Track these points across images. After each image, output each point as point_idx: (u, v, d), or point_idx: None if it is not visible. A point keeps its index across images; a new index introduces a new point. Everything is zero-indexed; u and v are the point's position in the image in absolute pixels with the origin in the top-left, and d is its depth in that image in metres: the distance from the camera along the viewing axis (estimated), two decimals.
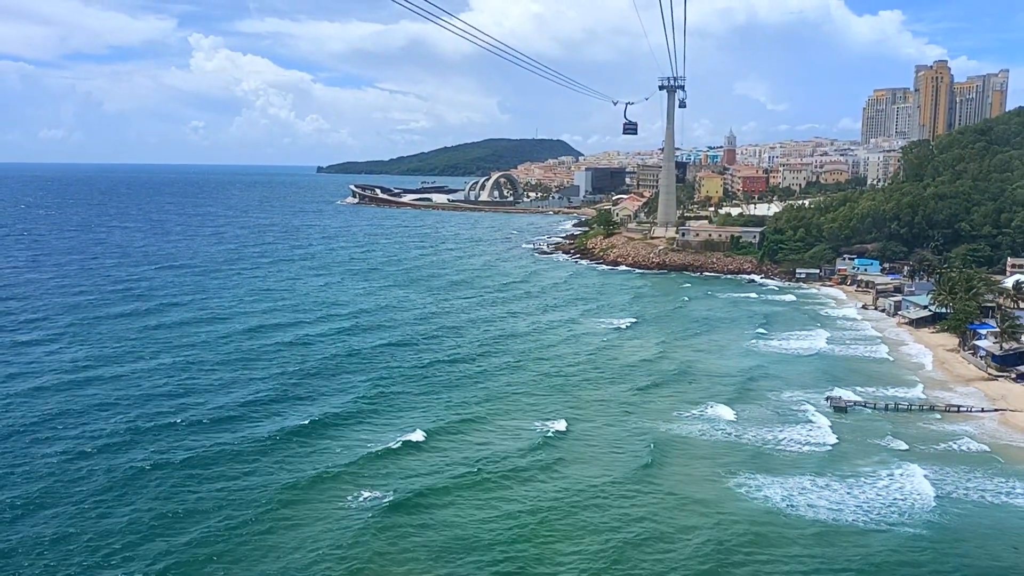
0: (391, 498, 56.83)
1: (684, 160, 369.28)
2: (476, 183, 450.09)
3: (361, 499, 56.84)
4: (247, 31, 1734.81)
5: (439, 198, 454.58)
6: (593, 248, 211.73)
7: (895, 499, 58.21)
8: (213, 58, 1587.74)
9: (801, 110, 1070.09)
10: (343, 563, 48.44)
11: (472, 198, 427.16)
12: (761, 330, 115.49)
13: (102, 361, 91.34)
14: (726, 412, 77.39)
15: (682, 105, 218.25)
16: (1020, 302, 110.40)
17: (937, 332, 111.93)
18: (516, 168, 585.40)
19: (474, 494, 58.39)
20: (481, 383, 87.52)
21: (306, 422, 72.11)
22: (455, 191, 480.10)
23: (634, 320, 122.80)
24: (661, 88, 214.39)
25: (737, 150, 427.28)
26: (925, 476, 61.76)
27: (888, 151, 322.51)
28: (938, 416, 77.90)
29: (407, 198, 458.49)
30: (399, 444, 67.11)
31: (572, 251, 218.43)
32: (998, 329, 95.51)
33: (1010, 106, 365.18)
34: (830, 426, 73.47)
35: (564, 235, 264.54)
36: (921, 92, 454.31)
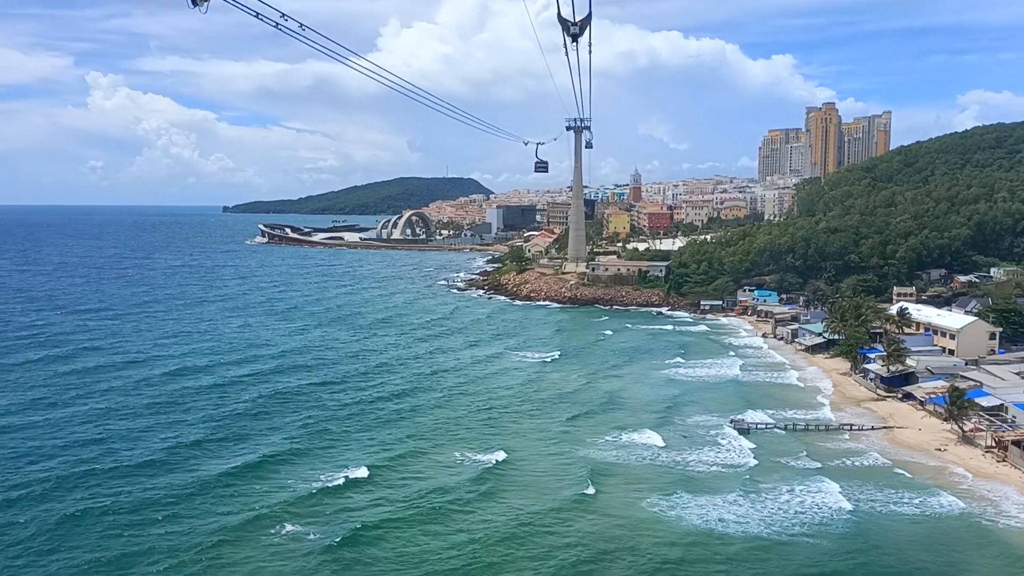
0: (340, 535, 57.18)
1: (592, 198, 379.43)
2: (388, 221, 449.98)
3: (310, 537, 56.90)
4: (148, 69, 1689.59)
5: (351, 237, 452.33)
6: (507, 284, 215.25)
7: (815, 513, 62.36)
8: (112, 97, 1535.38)
9: (702, 149, 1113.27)
10: None
11: (385, 236, 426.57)
12: (679, 359, 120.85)
13: (15, 410, 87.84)
14: (655, 438, 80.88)
15: (589, 146, 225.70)
16: (904, 327, 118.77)
17: (831, 357, 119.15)
18: (428, 206, 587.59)
19: (422, 526, 59.45)
20: (418, 418, 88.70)
21: (240, 463, 71.53)
22: (367, 229, 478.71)
23: (558, 353, 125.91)
24: (568, 129, 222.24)
25: (642, 187, 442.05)
26: (840, 491, 66.34)
27: (783, 188, 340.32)
28: (846, 436, 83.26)
29: (318, 237, 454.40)
30: (342, 480, 67.61)
31: (487, 287, 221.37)
32: (885, 353, 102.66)
33: (893, 144, 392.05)
34: (750, 448, 77.61)
35: (478, 271, 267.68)
36: (812, 132, 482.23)
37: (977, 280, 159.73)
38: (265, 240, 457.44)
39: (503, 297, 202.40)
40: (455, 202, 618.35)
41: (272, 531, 57.87)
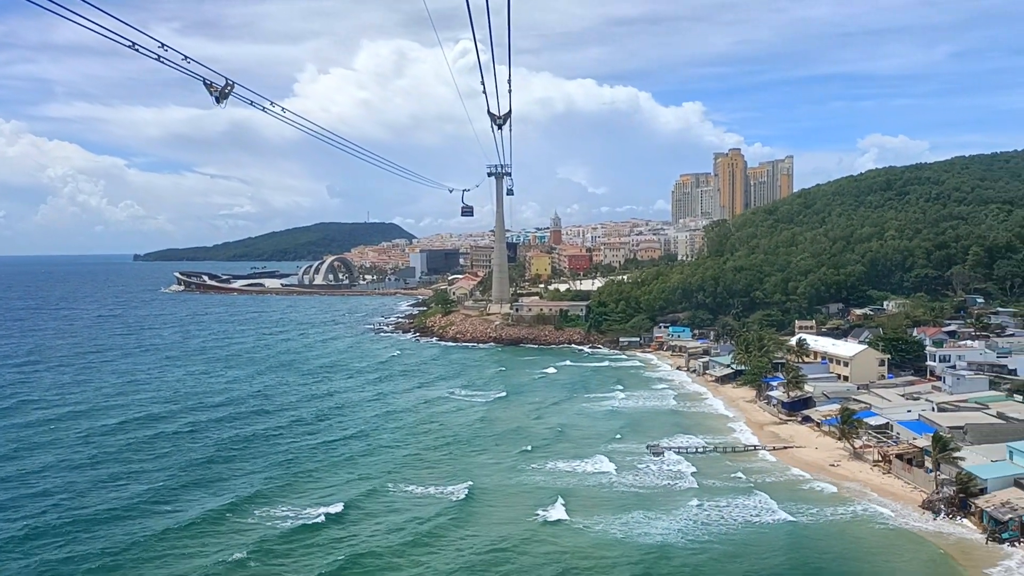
0: (326, 567, 59.85)
1: (514, 241, 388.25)
2: (310, 267, 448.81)
3: (297, 571, 59.37)
4: (54, 116, 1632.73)
5: (272, 283, 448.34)
6: (432, 326, 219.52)
7: (759, 524, 68.98)
8: (15, 143, 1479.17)
9: (620, 192, 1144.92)
10: None
11: (307, 282, 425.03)
12: (619, 391, 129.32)
13: None
14: (607, 464, 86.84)
15: (510, 192, 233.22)
16: (803, 357, 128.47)
17: (739, 386, 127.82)
18: (350, 252, 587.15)
19: (404, 555, 62.85)
20: (382, 456, 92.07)
21: (213, 506, 72.85)
22: (288, 275, 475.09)
23: (503, 392, 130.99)
24: (490, 175, 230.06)
25: (563, 230, 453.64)
26: (775, 502, 73.59)
27: (694, 230, 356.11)
28: (754, 456, 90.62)
29: (237, 284, 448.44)
30: (322, 518, 70.21)
31: (413, 330, 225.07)
32: (785, 380, 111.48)
33: (796, 187, 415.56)
34: (692, 472, 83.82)
35: (404, 315, 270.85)
36: (720, 177, 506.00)
37: (871, 312, 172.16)
38: (182, 288, 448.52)
39: (432, 339, 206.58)
40: (378, 247, 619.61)
41: (262, 568, 59.84)
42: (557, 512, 72.00)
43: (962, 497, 69.89)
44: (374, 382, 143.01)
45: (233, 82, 22.74)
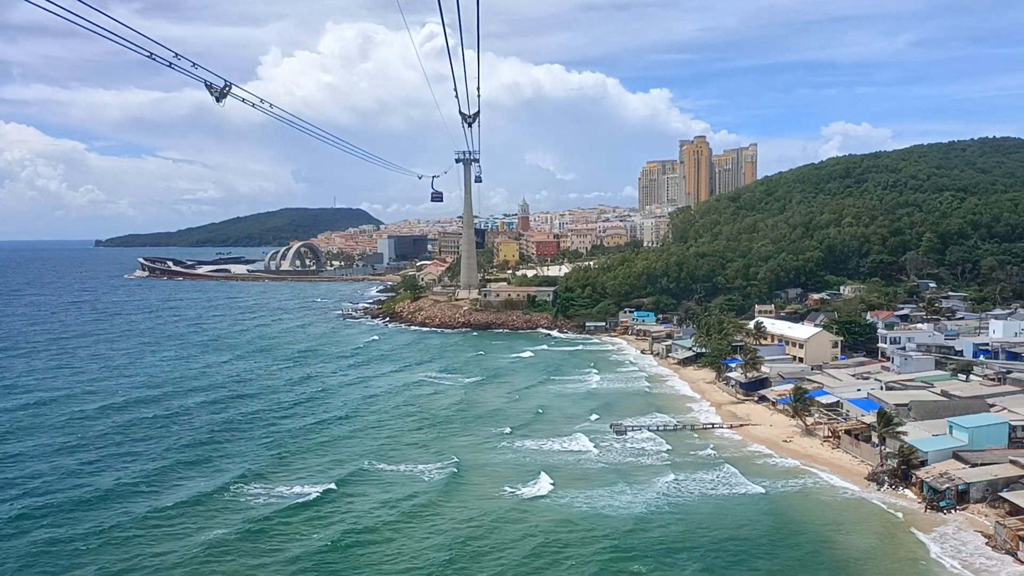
0: (324, 541, 62.35)
1: (482, 227, 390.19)
2: (277, 253, 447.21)
3: (294, 547, 61.47)
4: (10, 98, 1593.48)
5: (238, 269, 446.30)
6: (401, 312, 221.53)
7: (726, 496, 73.12)
8: None
9: (588, 179, 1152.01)
10: None
11: (273, 268, 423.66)
12: (591, 373, 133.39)
13: None
14: (585, 442, 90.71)
15: (478, 180, 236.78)
16: (761, 340, 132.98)
17: (700, 368, 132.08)
18: (317, 237, 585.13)
19: (400, 527, 65.94)
20: (368, 437, 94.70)
21: (207, 487, 74.70)
22: (253, 261, 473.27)
23: (480, 376, 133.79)
24: (458, 161, 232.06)
25: (531, 217, 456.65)
26: (741, 475, 78.06)
27: (659, 217, 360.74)
28: (713, 433, 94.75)
29: (203, 270, 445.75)
30: (315, 494, 72.64)
31: (382, 315, 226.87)
32: (743, 362, 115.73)
33: (760, 175, 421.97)
34: (666, 449, 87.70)
35: (372, 301, 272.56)
36: (686, 164, 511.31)
37: (828, 297, 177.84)
38: (146, 274, 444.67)
39: (401, 324, 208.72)
40: (345, 233, 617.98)
41: (256, 545, 61.87)
42: (540, 487, 75.36)
43: (904, 469, 74.30)
44: (353, 367, 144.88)
45: (231, 83, 25.05)
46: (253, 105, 28.78)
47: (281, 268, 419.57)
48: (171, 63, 22.31)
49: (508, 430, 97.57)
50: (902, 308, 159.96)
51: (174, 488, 75.37)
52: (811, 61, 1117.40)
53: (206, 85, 24.05)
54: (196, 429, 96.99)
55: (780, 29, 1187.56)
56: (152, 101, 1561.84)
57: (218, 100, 25.03)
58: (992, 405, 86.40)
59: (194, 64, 23.30)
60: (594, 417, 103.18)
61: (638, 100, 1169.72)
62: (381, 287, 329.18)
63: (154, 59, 21.42)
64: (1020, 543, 58.25)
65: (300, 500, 71.77)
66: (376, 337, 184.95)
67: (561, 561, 59.57)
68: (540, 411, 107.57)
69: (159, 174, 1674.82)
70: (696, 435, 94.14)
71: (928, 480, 70.51)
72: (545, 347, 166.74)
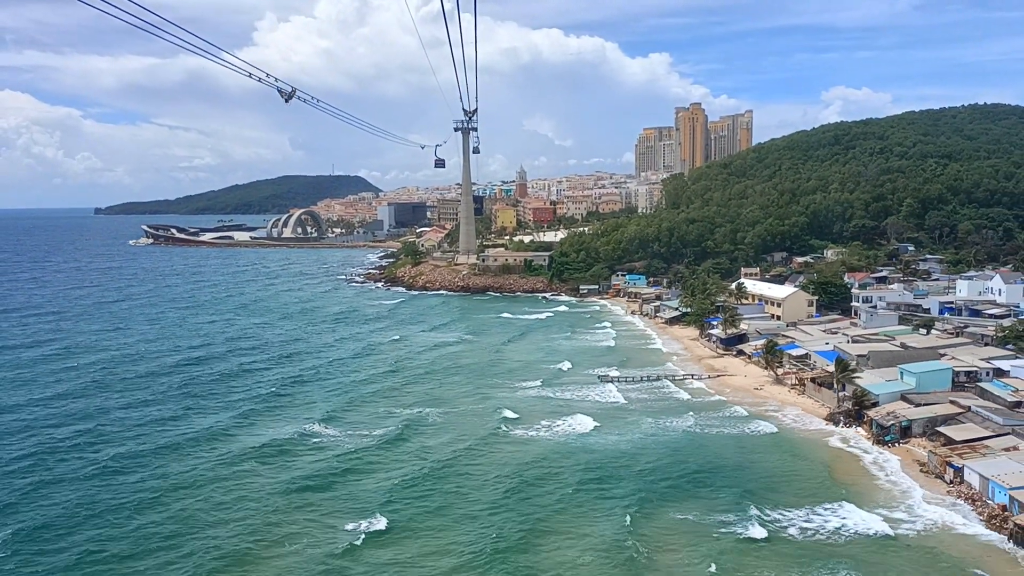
0: (327, 463, 72.59)
1: (481, 194, 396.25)
2: (279, 220, 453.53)
3: (297, 468, 71.73)
4: (4, 65, 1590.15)
5: (241, 236, 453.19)
6: (403, 276, 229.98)
7: (699, 434, 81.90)
8: None
9: (587, 145, 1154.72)
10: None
11: (276, 235, 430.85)
12: (568, 333, 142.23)
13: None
14: (574, 391, 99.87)
15: (476, 151, 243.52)
16: (742, 299, 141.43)
17: (685, 327, 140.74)
18: (316, 205, 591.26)
19: (394, 451, 76.93)
20: (422, 386, 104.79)
21: (295, 431, 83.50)
22: (255, 228, 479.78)
23: (471, 334, 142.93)
24: (456, 130, 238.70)
25: (529, 183, 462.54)
26: (691, 419, 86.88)
27: (653, 183, 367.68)
28: (692, 383, 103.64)
29: (207, 237, 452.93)
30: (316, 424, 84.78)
31: (383, 280, 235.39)
32: (723, 320, 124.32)
33: (755, 141, 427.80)
34: (641, 397, 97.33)
35: (373, 266, 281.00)
36: (681, 131, 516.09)
37: (812, 260, 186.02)
38: (151, 241, 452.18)
39: (401, 288, 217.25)
40: (344, 200, 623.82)
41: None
42: (507, 418, 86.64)
43: (857, 409, 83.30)
44: (388, 328, 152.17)
45: (294, 88, 32.90)
46: (311, 101, 36.59)
47: (283, 235, 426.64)
48: (249, 73, 30.00)
49: (498, 379, 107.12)
50: (881, 271, 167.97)
51: (267, 428, 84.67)
52: (811, 25, 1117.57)
53: (279, 91, 31.63)
54: (270, 381, 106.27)
55: None
56: (147, 67, 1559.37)
57: (287, 101, 32.53)
58: (944, 355, 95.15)
59: (268, 75, 30.92)
60: (566, 366, 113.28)
61: (637, 65, 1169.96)
62: (381, 253, 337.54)
63: (228, 67, 29.17)
64: (947, 468, 67.29)
65: (381, 439, 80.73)
66: (398, 301, 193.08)
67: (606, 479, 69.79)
68: (528, 363, 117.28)
69: (155, 141, 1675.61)
70: (674, 385, 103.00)
71: (877, 418, 79.46)
72: (542, 309, 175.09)
